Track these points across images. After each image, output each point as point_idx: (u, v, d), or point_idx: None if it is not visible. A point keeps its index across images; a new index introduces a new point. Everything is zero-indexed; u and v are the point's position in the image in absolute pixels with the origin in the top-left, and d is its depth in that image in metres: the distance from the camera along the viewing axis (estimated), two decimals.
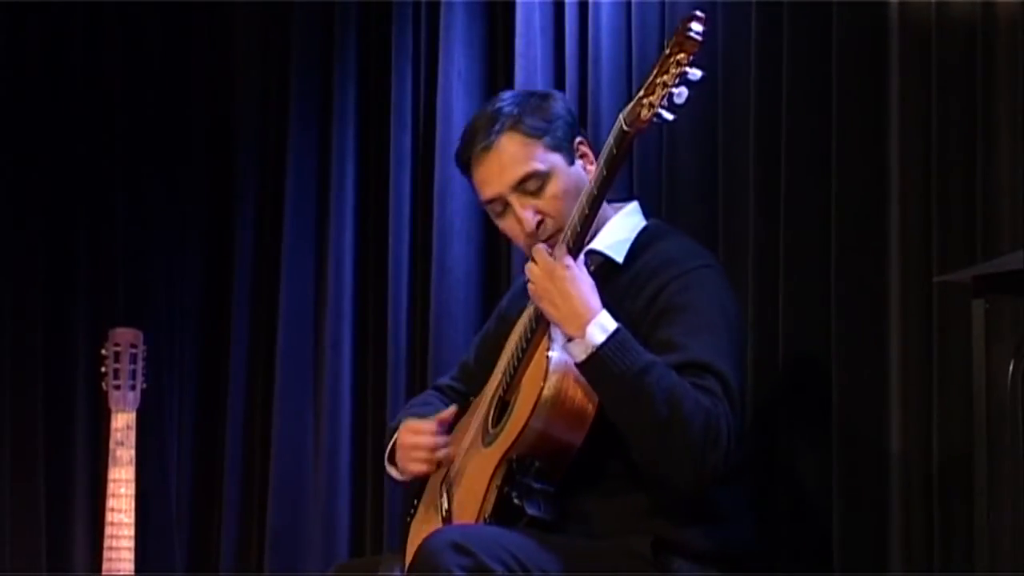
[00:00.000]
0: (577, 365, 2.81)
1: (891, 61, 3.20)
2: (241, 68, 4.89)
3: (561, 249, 2.87)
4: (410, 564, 2.76)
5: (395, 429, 3.23)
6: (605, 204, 2.99)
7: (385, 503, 4.31)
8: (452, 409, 3.13)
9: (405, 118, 4.40)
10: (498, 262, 4.19)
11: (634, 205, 3.11)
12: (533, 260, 2.89)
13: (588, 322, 2.79)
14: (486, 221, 4.20)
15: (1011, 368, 2.69)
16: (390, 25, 4.45)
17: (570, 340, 2.82)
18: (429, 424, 3.13)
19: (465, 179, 3.14)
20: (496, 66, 4.23)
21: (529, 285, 2.88)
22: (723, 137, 3.54)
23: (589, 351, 2.78)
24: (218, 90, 4.92)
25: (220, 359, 4.80)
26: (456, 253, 4.20)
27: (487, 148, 3.01)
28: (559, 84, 3.96)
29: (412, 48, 4.41)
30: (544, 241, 2.97)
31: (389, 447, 3.23)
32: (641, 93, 2.74)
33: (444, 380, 3.39)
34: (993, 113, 2.98)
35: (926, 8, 3.12)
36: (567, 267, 2.84)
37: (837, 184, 3.25)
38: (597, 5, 3.84)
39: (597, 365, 2.78)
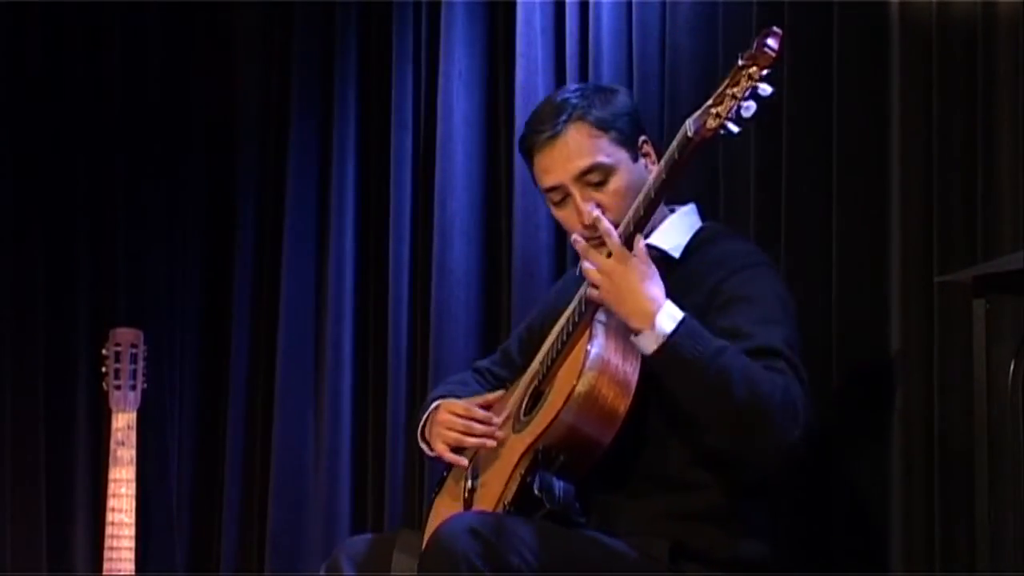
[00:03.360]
0: (649, 358, 2.80)
1: (892, 61, 3.20)
2: (241, 68, 4.89)
3: (618, 243, 2.84)
4: (425, 548, 2.76)
5: (430, 403, 3.21)
6: (663, 206, 2.99)
7: (386, 502, 4.31)
8: (498, 394, 3.11)
9: (405, 118, 4.40)
10: (498, 262, 4.19)
11: (691, 206, 3.12)
12: (590, 260, 2.86)
13: (656, 312, 2.78)
14: (486, 221, 4.22)
15: (1011, 368, 2.69)
16: (390, 25, 4.45)
17: (636, 335, 2.80)
18: (466, 408, 3.10)
19: (526, 164, 3.13)
20: (497, 66, 4.23)
21: (589, 289, 2.86)
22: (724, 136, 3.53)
23: (660, 340, 2.76)
24: (218, 90, 4.92)
25: (220, 359, 4.80)
26: (456, 253, 4.20)
27: (553, 137, 3.00)
28: (559, 84, 3.96)
29: (412, 48, 4.41)
30: (596, 237, 2.94)
31: (423, 421, 3.19)
32: (710, 102, 2.74)
33: (484, 363, 3.37)
34: (993, 113, 2.99)
35: (927, 8, 3.12)
36: (627, 260, 2.82)
37: (838, 184, 3.25)
38: (598, 5, 3.84)
39: (670, 354, 2.76)
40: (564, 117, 3.00)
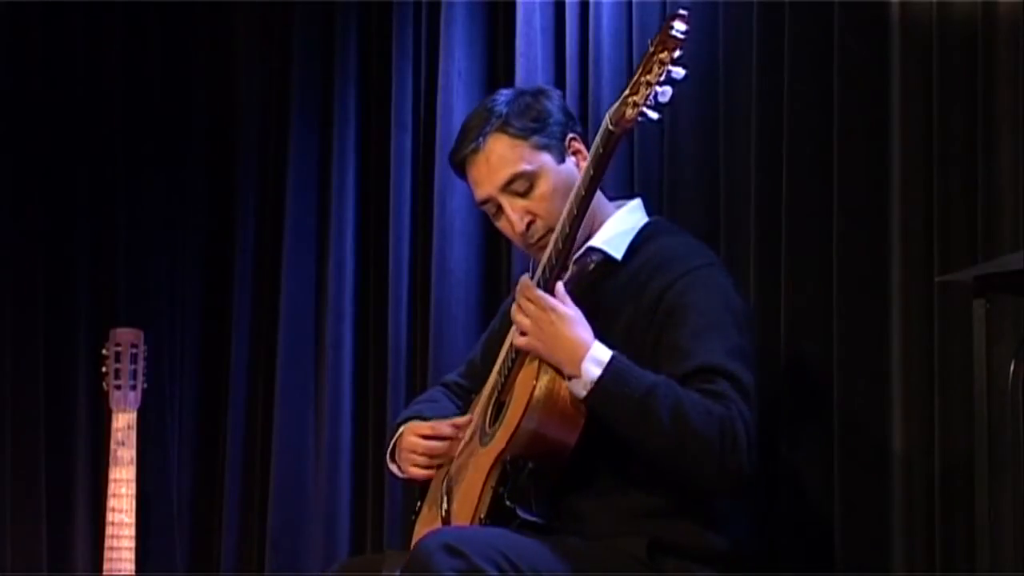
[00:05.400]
0: (582, 401, 2.83)
1: (892, 61, 3.20)
2: (241, 68, 4.89)
3: (538, 293, 2.88)
4: (404, 566, 2.77)
5: (399, 426, 3.23)
6: (607, 202, 3.00)
7: (386, 502, 4.31)
8: (468, 418, 3.12)
9: (405, 118, 4.40)
10: (498, 262, 4.19)
11: (636, 202, 3.11)
12: (520, 309, 2.90)
13: (582, 359, 2.81)
14: (486, 221, 4.20)
15: (1012, 368, 2.69)
16: (390, 25, 4.45)
17: (569, 379, 2.83)
18: (433, 427, 3.14)
19: (462, 180, 3.16)
20: (497, 66, 4.23)
21: (518, 337, 2.90)
22: (724, 136, 3.54)
23: (589, 387, 2.80)
24: (218, 90, 4.92)
25: (220, 359, 4.80)
26: (456, 253, 4.20)
27: (476, 150, 3.04)
28: (559, 84, 3.96)
29: (412, 48, 4.41)
30: (534, 243, 3.00)
31: (391, 444, 3.23)
32: (626, 92, 2.76)
33: (452, 377, 3.39)
34: (993, 113, 2.99)
35: (927, 8, 3.12)
36: (550, 310, 2.86)
37: (838, 184, 3.25)
38: (598, 5, 3.84)
39: (599, 398, 2.80)
40: (487, 129, 3.04)
